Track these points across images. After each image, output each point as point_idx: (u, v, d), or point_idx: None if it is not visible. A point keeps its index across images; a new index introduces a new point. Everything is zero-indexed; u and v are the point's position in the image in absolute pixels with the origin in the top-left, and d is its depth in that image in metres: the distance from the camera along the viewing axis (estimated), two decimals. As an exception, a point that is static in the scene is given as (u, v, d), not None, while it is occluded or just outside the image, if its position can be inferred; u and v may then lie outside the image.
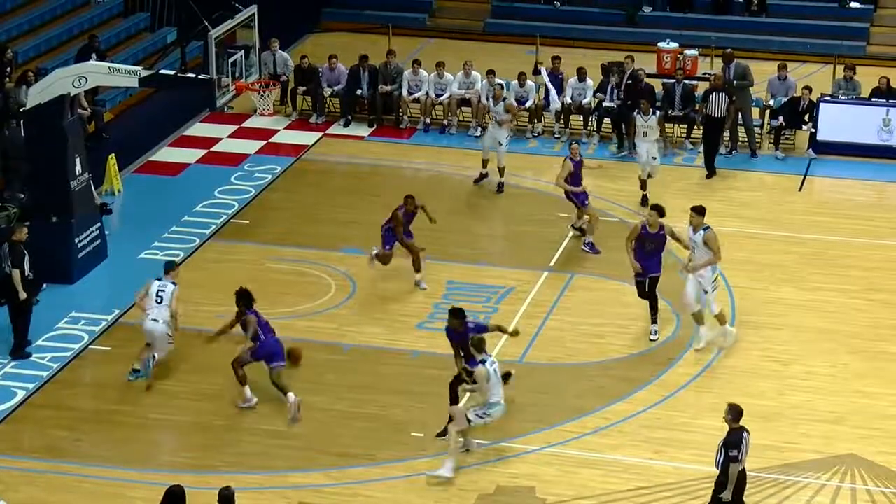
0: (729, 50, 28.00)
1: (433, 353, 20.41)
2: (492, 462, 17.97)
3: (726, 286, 22.14)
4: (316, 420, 18.84)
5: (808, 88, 27.51)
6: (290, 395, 18.79)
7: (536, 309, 21.68)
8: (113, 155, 25.99)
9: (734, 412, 15.95)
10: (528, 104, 28.57)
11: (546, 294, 22.14)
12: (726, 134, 27.44)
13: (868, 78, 28.37)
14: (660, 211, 20.76)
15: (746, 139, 27.61)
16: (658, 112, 25.07)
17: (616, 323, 21.17)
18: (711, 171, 26.55)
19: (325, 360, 20.28)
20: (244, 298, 19.12)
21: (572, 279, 22.55)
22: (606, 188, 25.99)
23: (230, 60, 23.43)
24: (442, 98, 28.82)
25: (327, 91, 29.28)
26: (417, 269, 22.27)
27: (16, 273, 20.07)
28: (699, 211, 20.26)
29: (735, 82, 27.17)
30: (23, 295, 20.13)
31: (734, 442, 15.77)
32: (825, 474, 17.59)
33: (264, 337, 19.00)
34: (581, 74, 28.32)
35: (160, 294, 19.42)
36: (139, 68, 22.97)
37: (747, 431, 15.89)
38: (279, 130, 28.98)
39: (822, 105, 27.48)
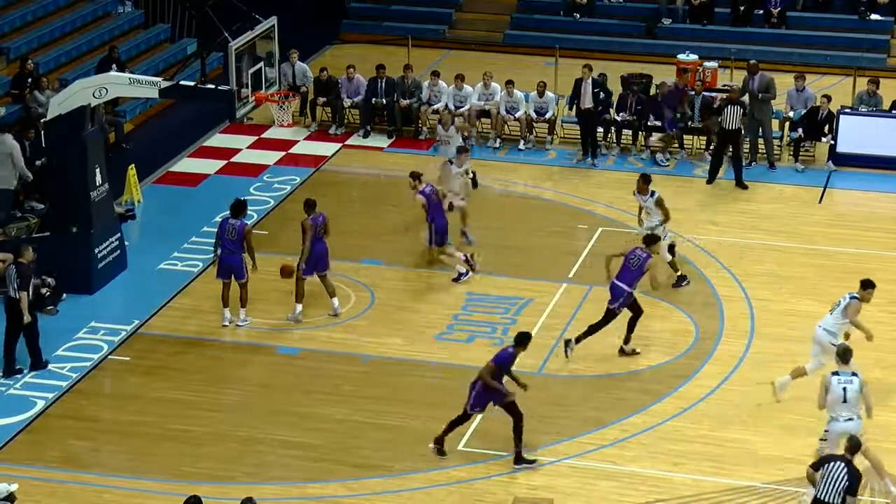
0: (753, 61, 27.92)
1: (452, 364, 20.43)
2: (510, 473, 17.95)
3: (746, 298, 22.11)
4: (334, 431, 18.85)
5: (827, 98, 27.46)
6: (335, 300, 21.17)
7: (555, 321, 21.66)
8: (133, 165, 26.08)
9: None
10: (547, 115, 28.57)
11: (565, 305, 22.12)
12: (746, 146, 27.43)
13: (889, 90, 28.31)
14: (646, 179, 22.77)
15: (765, 151, 27.56)
16: (656, 193, 22.60)
17: (635, 335, 21.08)
18: (740, 184, 26.42)
19: (343, 370, 20.30)
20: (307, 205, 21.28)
21: (591, 290, 22.51)
22: (628, 200, 25.92)
23: (250, 72, 23.49)
24: (461, 109, 28.85)
25: (346, 102, 29.33)
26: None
27: (23, 296, 19.74)
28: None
29: (760, 95, 27.10)
30: (27, 318, 19.81)
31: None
32: (845, 487, 17.50)
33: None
34: (539, 90, 28.43)
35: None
36: (159, 79, 23.05)
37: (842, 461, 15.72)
38: (298, 141, 29.04)
39: (842, 117, 27.42)
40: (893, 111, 27.67)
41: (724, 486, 17.54)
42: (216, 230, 21.62)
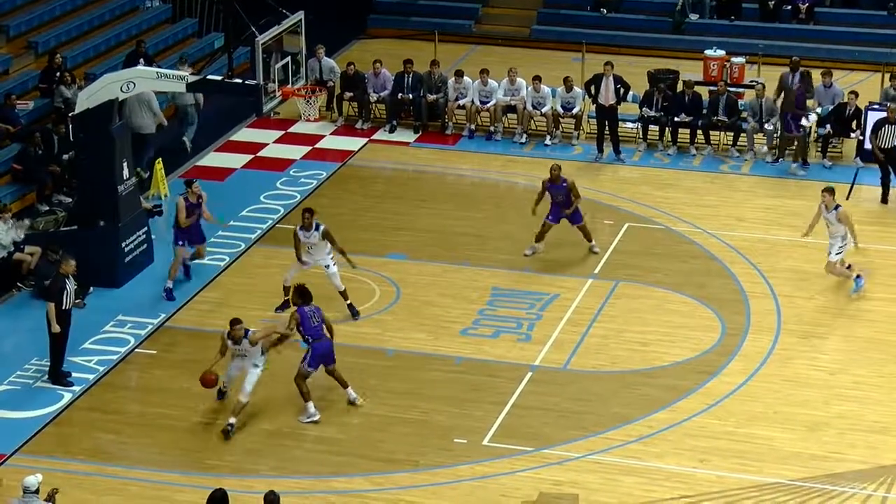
0: (796, 58, 27.81)
1: (477, 359, 20.45)
2: (535, 469, 17.96)
3: (772, 294, 22.07)
4: (359, 425, 18.89)
5: (855, 94, 27.35)
6: (350, 391, 19.41)
7: (580, 316, 21.65)
8: (160, 160, 26.16)
9: None
10: (574, 110, 28.55)
11: (590, 301, 22.11)
12: (773, 141, 27.39)
13: (917, 86, 28.19)
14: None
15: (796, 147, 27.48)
16: (320, 228, 21.40)
17: (660, 331, 21.11)
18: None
19: (368, 365, 20.34)
20: (299, 294, 19.33)
21: (616, 286, 22.51)
22: (654, 196, 25.94)
23: (277, 66, 23.54)
24: (487, 105, 28.85)
25: (373, 97, 29.37)
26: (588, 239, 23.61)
27: (51, 307, 19.53)
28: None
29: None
30: (56, 329, 19.57)
31: None
32: (871, 484, 17.48)
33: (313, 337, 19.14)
34: (567, 84, 28.38)
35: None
36: (187, 73, 23.13)
37: None
38: (325, 136, 29.08)
39: (869, 113, 27.30)
40: (921, 107, 27.50)
41: (749, 483, 17.52)
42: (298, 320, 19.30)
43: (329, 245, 21.51)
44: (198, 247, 22.89)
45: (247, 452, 18.32)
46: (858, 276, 22.00)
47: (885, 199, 25.78)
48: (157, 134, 27.18)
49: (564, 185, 23.01)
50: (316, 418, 18.86)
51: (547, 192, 23.24)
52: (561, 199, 23.11)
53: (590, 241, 23.55)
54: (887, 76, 28.33)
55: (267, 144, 28.64)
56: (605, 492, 17.47)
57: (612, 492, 17.47)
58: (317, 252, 21.47)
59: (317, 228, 21.31)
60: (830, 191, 22.10)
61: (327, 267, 21.43)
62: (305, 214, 21.41)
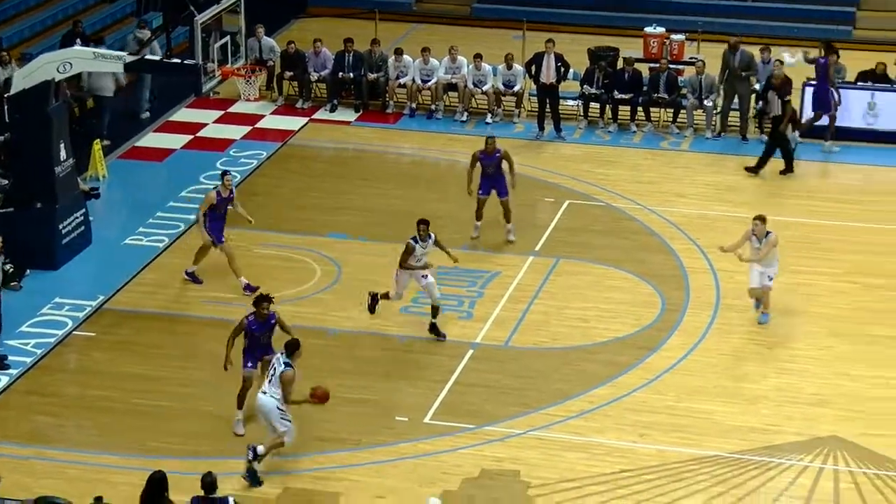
0: (735, 39, 27.89)
1: (418, 337, 20.46)
2: (477, 446, 17.99)
3: (711, 270, 22.20)
4: (304, 406, 18.80)
5: (780, 62, 27.39)
6: None
7: (521, 293, 21.70)
8: (98, 140, 25.97)
9: None
10: (515, 88, 28.55)
11: (531, 278, 22.16)
12: (713, 117, 27.54)
13: (855, 62, 28.41)
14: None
15: (739, 124, 27.62)
16: (432, 237, 20.49)
17: (601, 307, 21.18)
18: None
19: (310, 344, 20.02)
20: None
21: (557, 263, 22.57)
22: (595, 173, 26.03)
23: (216, 46, 23.41)
24: (428, 83, 28.81)
25: (313, 76, 29.26)
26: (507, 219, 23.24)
27: None
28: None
29: (743, 73, 27.10)
30: None
31: None
32: (808, 456, 17.64)
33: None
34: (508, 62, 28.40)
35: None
36: (124, 53, 22.96)
37: None
38: (265, 116, 28.96)
39: (807, 89, 27.48)
40: (858, 83, 27.75)
41: (688, 457, 17.63)
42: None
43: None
44: (213, 246, 21.80)
45: (189, 434, 18.24)
46: (766, 313, 20.64)
47: (789, 169, 25.96)
48: (116, 98, 26.95)
49: (497, 155, 22.90)
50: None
51: (479, 164, 23.05)
52: (492, 171, 22.99)
53: (508, 221, 23.14)
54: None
55: (206, 125, 28.48)
56: (546, 467, 17.53)
57: (554, 467, 17.53)
58: (423, 261, 20.39)
59: (429, 238, 20.35)
60: (762, 219, 20.30)
61: (425, 277, 20.32)
62: (421, 227, 20.21)
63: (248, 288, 21.40)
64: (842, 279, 21.96)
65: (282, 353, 17.26)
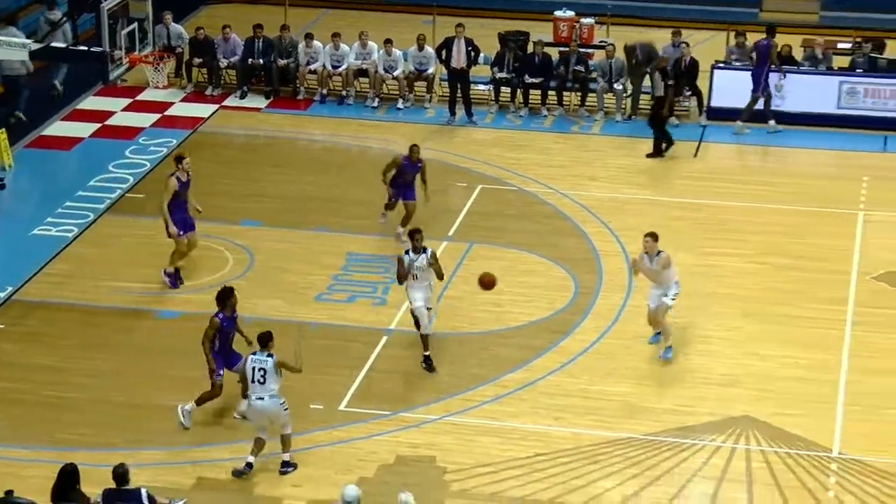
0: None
1: (332, 324, 20.41)
2: (392, 432, 17.99)
3: (623, 253, 22.33)
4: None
5: (686, 44, 27.62)
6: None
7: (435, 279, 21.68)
8: (3, 129, 25.58)
9: None
10: (429, 70, 28.50)
11: (445, 263, 22.02)
12: (623, 101, 27.69)
13: (761, 44, 28.67)
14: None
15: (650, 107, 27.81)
16: (427, 252, 19.32)
17: (514, 291, 21.24)
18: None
19: (224, 333, 20.14)
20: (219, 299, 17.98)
21: (471, 248, 22.61)
22: (506, 157, 26.08)
23: (123, 33, 23.18)
24: (339, 69, 28.70)
25: (223, 63, 29.05)
26: (403, 224, 22.49)
27: None
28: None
29: (646, 70, 27.21)
30: None
31: None
32: (721, 436, 17.83)
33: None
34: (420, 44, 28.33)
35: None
36: (29, 41, 22.68)
37: None
38: (174, 103, 28.69)
39: (715, 71, 27.74)
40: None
41: (602, 439, 17.75)
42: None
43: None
44: (190, 235, 21.15)
45: (100, 426, 18.06)
46: (669, 347, 19.54)
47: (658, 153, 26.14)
48: (29, 76, 26.54)
49: (419, 165, 22.37)
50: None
51: (398, 169, 22.37)
52: (409, 180, 22.44)
53: (404, 225, 22.30)
54: (732, 34, 28.75)
55: (115, 113, 28.14)
56: (462, 452, 17.56)
57: (470, 452, 17.57)
58: (423, 279, 19.27)
59: (424, 252, 19.21)
60: (653, 236, 19.36)
61: (416, 301, 19.24)
62: (416, 236, 19.22)
63: (169, 277, 21.14)
64: (751, 260, 22.20)
65: (254, 353, 16.97)
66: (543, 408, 18.48)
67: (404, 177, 22.46)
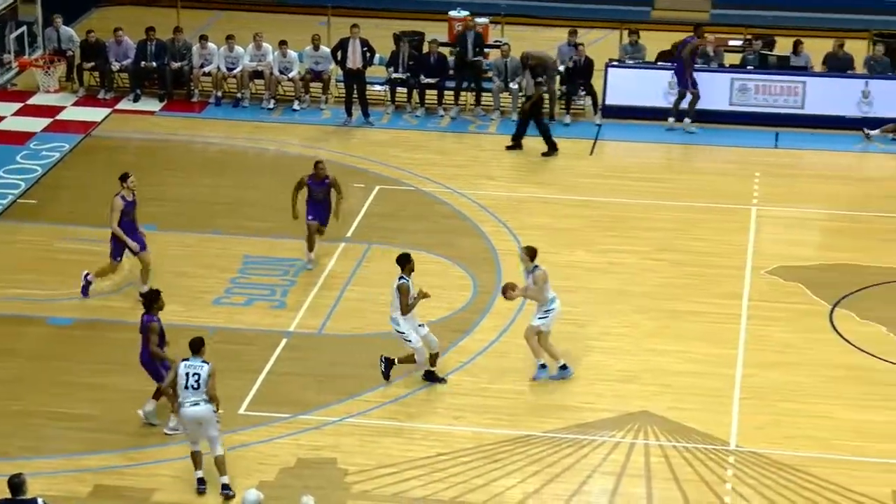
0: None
1: (231, 328, 20.28)
2: (293, 435, 17.92)
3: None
4: (112, 400, 18.54)
5: (581, 45, 27.82)
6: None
7: (334, 280, 21.66)
8: None
9: None
10: (328, 68, 28.31)
11: (343, 265, 22.13)
12: (518, 100, 27.80)
13: (653, 43, 28.98)
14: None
15: (548, 105, 27.96)
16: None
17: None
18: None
19: (120, 338, 19.93)
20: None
21: (369, 249, 22.58)
22: (403, 158, 26.08)
23: (12, 36, 22.83)
24: (234, 71, 28.53)
25: (115, 66, 28.74)
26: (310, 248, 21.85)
27: None
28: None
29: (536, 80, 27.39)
30: None
31: None
32: (620, 432, 17.97)
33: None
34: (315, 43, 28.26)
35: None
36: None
37: None
38: (66, 107, 28.35)
39: (609, 70, 27.97)
40: (659, 63, 28.32)
41: (502, 437, 17.81)
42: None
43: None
44: (142, 255, 20.74)
45: (-6, 435, 17.82)
46: (544, 365, 19.03)
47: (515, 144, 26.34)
48: None
49: (327, 181, 21.68)
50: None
51: (306, 188, 21.72)
52: (321, 197, 21.67)
53: (311, 250, 21.84)
54: (625, 33, 29.00)
55: (4, 117, 27.75)
56: (363, 454, 17.54)
57: (371, 454, 17.55)
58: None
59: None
60: (528, 250, 18.98)
61: (422, 326, 18.87)
62: (408, 265, 18.66)
63: (86, 280, 20.88)
64: (648, 257, 22.41)
65: (186, 359, 16.72)
66: (444, 407, 18.51)
67: (314, 196, 21.67)
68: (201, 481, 16.81)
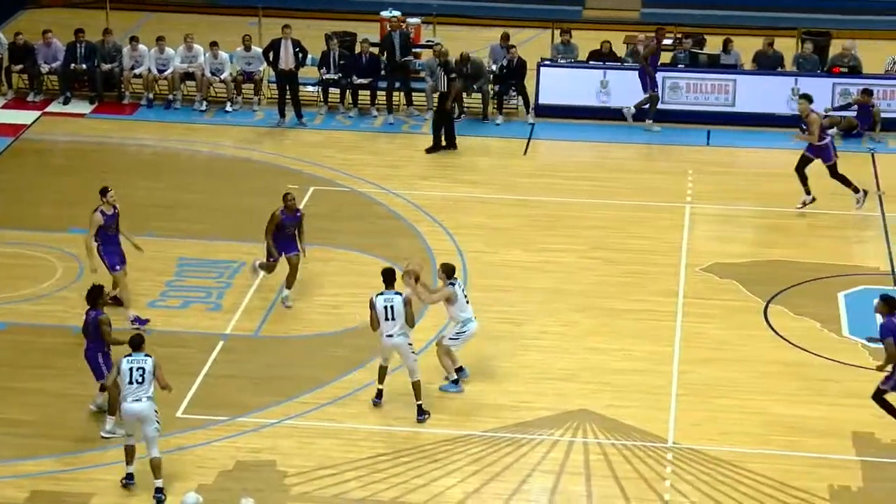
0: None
1: (166, 330, 20.15)
2: (231, 437, 17.83)
3: (458, 251, 22.45)
4: (48, 405, 18.38)
5: (514, 47, 27.93)
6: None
7: (270, 282, 21.54)
8: None
9: None
10: (260, 68, 28.20)
11: (279, 267, 22.00)
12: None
13: (585, 42, 29.12)
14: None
15: (481, 105, 28.01)
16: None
17: (350, 292, 21.19)
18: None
19: (54, 343, 19.76)
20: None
21: (305, 250, 22.48)
22: (338, 158, 26.04)
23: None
24: (165, 73, 28.36)
25: (44, 68, 28.48)
26: (289, 285, 20.91)
27: None
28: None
29: (475, 86, 27.38)
30: None
31: None
32: (559, 430, 18.03)
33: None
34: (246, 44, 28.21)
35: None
36: None
37: None
38: (-5, 110, 28.13)
39: (542, 69, 28.07)
40: (591, 62, 28.45)
41: (441, 437, 17.82)
42: None
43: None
44: (122, 269, 20.21)
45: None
46: (457, 381, 18.91)
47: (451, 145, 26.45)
48: None
49: (299, 215, 20.71)
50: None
51: (278, 224, 20.57)
52: (292, 232, 20.65)
53: (289, 284, 20.83)
54: (557, 32, 29.11)
55: (-67, 122, 27.49)
56: (303, 456, 17.49)
57: (310, 455, 17.51)
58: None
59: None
60: (444, 267, 18.79)
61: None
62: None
63: (138, 321, 20.18)
64: (584, 255, 22.50)
65: (128, 355, 16.64)
66: (383, 408, 18.47)
67: (284, 231, 20.60)
68: (130, 476, 16.73)
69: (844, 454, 17.62)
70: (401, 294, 18.14)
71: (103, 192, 20.14)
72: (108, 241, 20.15)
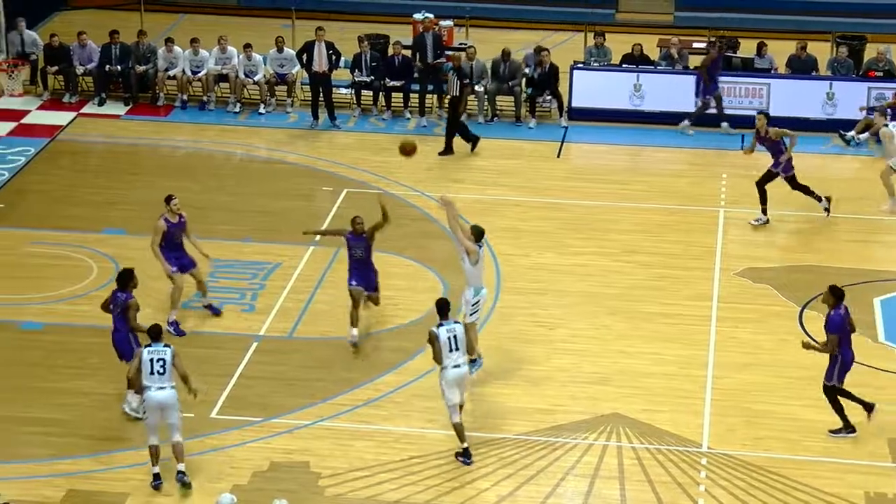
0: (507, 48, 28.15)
1: (201, 331, 20.23)
2: (265, 439, 17.89)
3: (491, 253, 22.45)
4: (82, 405, 18.47)
5: (547, 50, 27.93)
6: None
7: (304, 283, 21.63)
8: None
9: None
10: (293, 70, 28.29)
11: (313, 268, 22.10)
12: (485, 103, 27.86)
13: (617, 45, 29.09)
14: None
15: (515, 108, 28.00)
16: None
17: (384, 294, 21.10)
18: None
19: (89, 343, 19.84)
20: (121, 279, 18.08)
21: (338, 253, 22.48)
22: (371, 161, 26.08)
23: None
24: (199, 74, 28.46)
25: (79, 69, 28.62)
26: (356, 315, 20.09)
27: None
28: None
29: (510, 83, 27.33)
30: None
31: None
32: (592, 434, 18.02)
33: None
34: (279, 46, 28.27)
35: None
36: None
37: None
38: (31, 111, 28.22)
39: (575, 72, 28.05)
40: (623, 65, 28.42)
41: (476, 440, 17.82)
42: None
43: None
44: (192, 271, 20.33)
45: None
46: (474, 360, 18.84)
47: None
48: None
49: (365, 236, 19.92)
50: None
51: (345, 243, 20.16)
52: (360, 255, 19.97)
53: (354, 324, 19.97)
54: (590, 35, 29.11)
55: (-30, 122, 27.66)
56: (336, 457, 17.53)
57: (344, 457, 17.54)
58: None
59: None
60: (476, 230, 19.17)
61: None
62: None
63: (174, 326, 20.20)
64: (617, 259, 22.48)
65: (148, 345, 16.83)
66: (417, 410, 18.51)
67: (354, 253, 20.02)
68: (157, 477, 16.83)
69: (880, 461, 17.57)
70: (460, 322, 17.74)
71: (168, 199, 20.25)
72: (172, 248, 20.30)
